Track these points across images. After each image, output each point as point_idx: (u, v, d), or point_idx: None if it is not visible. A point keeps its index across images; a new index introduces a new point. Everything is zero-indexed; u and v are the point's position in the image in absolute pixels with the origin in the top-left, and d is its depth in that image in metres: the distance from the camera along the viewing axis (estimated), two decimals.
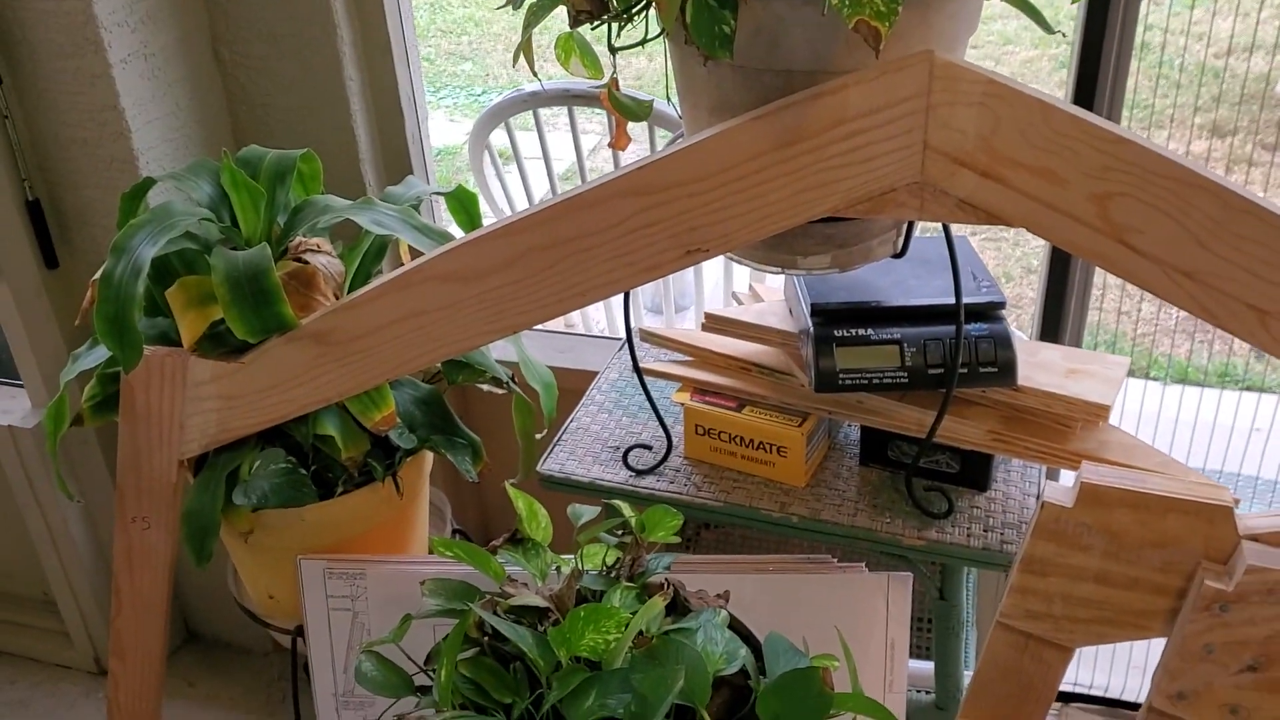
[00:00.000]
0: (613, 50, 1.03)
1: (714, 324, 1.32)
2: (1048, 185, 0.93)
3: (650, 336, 1.37)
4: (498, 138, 2.09)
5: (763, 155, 0.97)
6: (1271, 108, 3.69)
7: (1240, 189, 0.90)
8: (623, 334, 1.36)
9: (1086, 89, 1.46)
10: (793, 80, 0.96)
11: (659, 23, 0.94)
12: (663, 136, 2.00)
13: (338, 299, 1.29)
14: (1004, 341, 1.14)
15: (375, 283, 1.13)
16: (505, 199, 2.20)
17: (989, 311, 1.17)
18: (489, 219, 2.31)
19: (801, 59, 0.95)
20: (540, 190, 2.25)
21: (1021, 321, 3.27)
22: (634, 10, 0.96)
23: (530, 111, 2.00)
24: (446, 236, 1.21)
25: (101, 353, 1.24)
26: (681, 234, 1.02)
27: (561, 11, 0.99)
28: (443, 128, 4.82)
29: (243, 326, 1.13)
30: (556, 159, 2.16)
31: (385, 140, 1.66)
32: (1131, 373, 2.65)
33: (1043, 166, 0.93)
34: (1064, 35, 1.03)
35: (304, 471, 1.26)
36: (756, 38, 0.94)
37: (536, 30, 1.00)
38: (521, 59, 1.03)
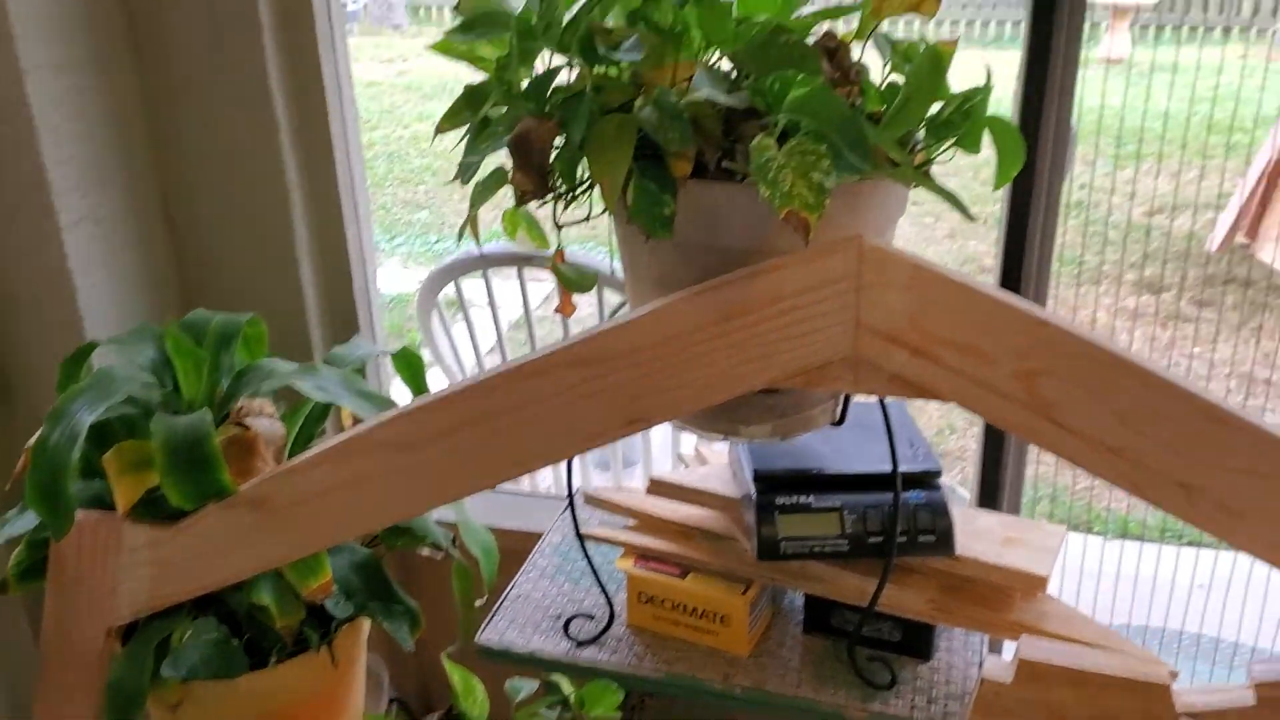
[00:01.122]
0: (558, 226, 1.06)
1: (658, 488, 1.32)
2: (975, 363, 0.96)
3: (594, 500, 1.37)
4: (450, 288, 2.12)
5: (703, 329, 0.99)
6: (1201, 265, 3.83)
7: (1160, 370, 0.93)
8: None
9: (1015, 254, 1.51)
10: (731, 258, 0.99)
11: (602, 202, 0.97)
12: (611, 293, 2.03)
13: (279, 463, 1.28)
14: (941, 510, 1.16)
15: (315, 449, 1.12)
16: (453, 354, 2.22)
17: (926, 479, 1.18)
18: (436, 372, 2.33)
19: (739, 239, 0.98)
20: (488, 341, 2.27)
21: (967, 473, 3.31)
22: (578, 192, 0.99)
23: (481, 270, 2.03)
24: (389, 404, 1.22)
25: (31, 518, 1.22)
26: (623, 404, 1.03)
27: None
28: (397, 275, 4.87)
29: (179, 493, 1.12)
30: (509, 306, 2.19)
31: (333, 299, 1.67)
32: (1074, 526, 2.68)
33: (970, 345, 0.96)
34: (983, 222, 1.06)
35: (236, 641, 1.23)
36: (696, 219, 0.97)
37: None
38: (469, 232, 1.06)
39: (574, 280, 1.05)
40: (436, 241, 5.27)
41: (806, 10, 1.05)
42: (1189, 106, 5.72)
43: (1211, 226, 4.00)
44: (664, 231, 0.96)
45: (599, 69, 1.00)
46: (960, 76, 0.99)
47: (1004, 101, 1.44)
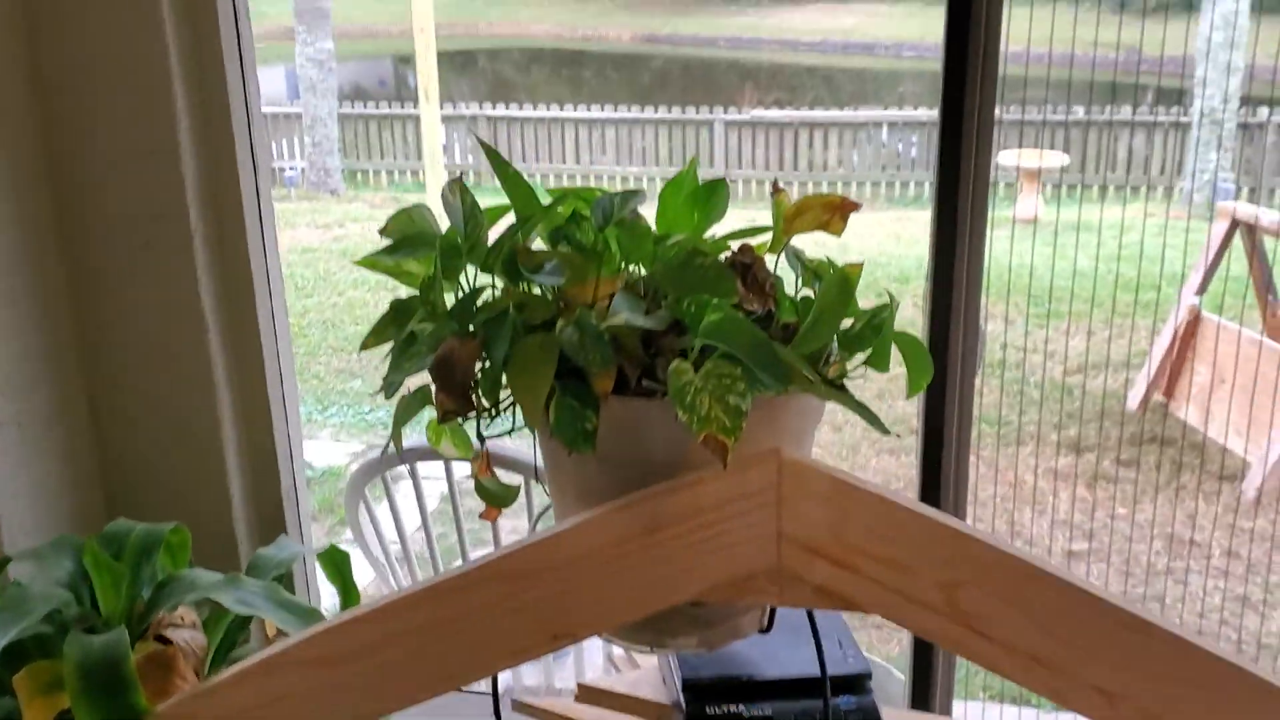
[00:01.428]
0: (481, 439, 1.07)
1: (588, 695, 1.30)
2: (897, 575, 0.97)
3: (523, 707, 1.35)
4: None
5: (626, 543, 1.00)
6: (1123, 424, 3.93)
7: (1079, 580, 0.95)
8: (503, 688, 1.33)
9: (933, 459, 1.53)
10: (653, 471, 1.00)
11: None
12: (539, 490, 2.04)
13: (199, 675, 1.25)
14: (871, 714, 1.15)
15: (236, 668, 1.10)
16: (380, 546, 2.19)
17: (856, 683, 1.18)
18: (363, 566, 2.29)
19: (661, 452, 0.99)
20: (413, 522, 2.25)
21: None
22: (500, 408, 1.00)
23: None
24: (313, 614, 1.20)
25: None
26: (548, 619, 1.03)
27: None
28: (328, 449, 4.83)
29: (92, 718, 1.09)
30: (434, 492, 2.18)
31: (260, 498, 1.66)
32: (1011, 699, 2.67)
33: (891, 557, 0.97)
34: (898, 436, 1.10)
35: None
36: (618, 433, 0.99)
37: None
38: (392, 446, 1.06)
39: (496, 495, 1.06)
40: (369, 412, 5.25)
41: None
42: (1101, 265, 5.97)
43: (1129, 385, 4.13)
44: (586, 446, 0.98)
45: (522, 287, 1.03)
46: (881, 236, 1.04)
47: (924, 259, 1.49)
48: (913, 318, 5.23)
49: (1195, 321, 3.88)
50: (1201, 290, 3.91)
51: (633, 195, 1.08)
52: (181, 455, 1.59)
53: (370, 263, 1.10)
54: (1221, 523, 3.21)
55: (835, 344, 1.04)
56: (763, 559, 1.00)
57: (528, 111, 9.71)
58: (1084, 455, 3.67)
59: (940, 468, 1.51)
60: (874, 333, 1.03)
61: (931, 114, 8.80)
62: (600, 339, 0.95)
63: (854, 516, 0.97)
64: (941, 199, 1.36)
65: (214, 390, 1.58)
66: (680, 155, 9.49)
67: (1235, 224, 3.92)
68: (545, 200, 1.04)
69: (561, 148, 9.65)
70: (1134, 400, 4.05)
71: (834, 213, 1.09)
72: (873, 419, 0.99)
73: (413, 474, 2.06)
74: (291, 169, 9.76)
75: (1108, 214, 7.89)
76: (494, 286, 1.05)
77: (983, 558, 0.96)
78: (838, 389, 1.01)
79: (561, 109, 9.74)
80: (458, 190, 1.07)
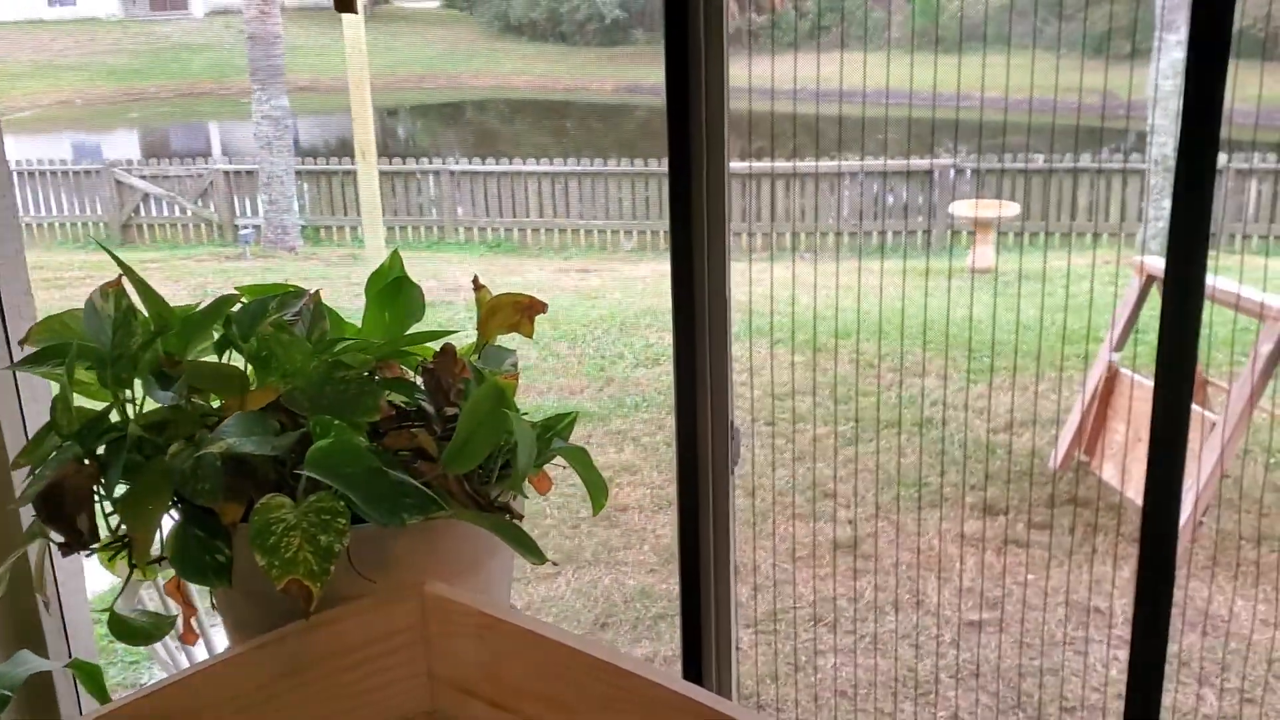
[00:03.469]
0: (131, 566, 0.98)
1: None
2: (559, 714, 0.88)
3: None
4: None
5: (270, 684, 0.91)
6: (1043, 484, 3.84)
7: (736, 709, 0.86)
8: None
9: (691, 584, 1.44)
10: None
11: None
12: None
13: None
14: None
15: None
16: None
17: None
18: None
19: None
20: None
21: None
22: (120, 543, 0.92)
23: None
24: None
25: None
26: None
27: None
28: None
29: None
30: None
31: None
32: None
33: (551, 695, 0.88)
34: (554, 565, 1.01)
35: None
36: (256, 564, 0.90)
37: None
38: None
39: (132, 630, 0.96)
40: None
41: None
42: (1048, 315, 5.90)
43: (1055, 443, 4.05)
44: (220, 580, 0.89)
45: (187, 403, 0.94)
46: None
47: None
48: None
49: (1113, 378, 3.80)
50: (1119, 346, 3.84)
51: (292, 296, 1.00)
52: None
53: (29, 369, 1.01)
54: (1129, 589, 3.12)
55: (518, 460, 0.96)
56: (416, 701, 0.91)
57: (490, 166, 9.68)
58: (999, 518, 3.58)
59: (699, 583, 1.40)
60: (545, 447, 0.95)
61: (921, 163, 8.80)
62: (214, 466, 0.86)
63: (509, 654, 0.88)
64: (677, 257, 1.28)
65: None
66: (658, 208, 9.42)
67: (1150, 279, 3.86)
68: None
69: (525, 201, 9.60)
70: (1056, 459, 3.96)
71: (523, 313, 1.01)
72: (528, 547, 0.90)
73: None
74: (247, 227, 9.70)
75: (1064, 262, 7.86)
76: (130, 403, 0.96)
77: (647, 693, 0.87)
78: (497, 511, 0.92)
79: (537, 162, 9.69)
80: (111, 296, 0.99)
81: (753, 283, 6.02)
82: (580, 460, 0.94)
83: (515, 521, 0.91)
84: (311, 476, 0.82)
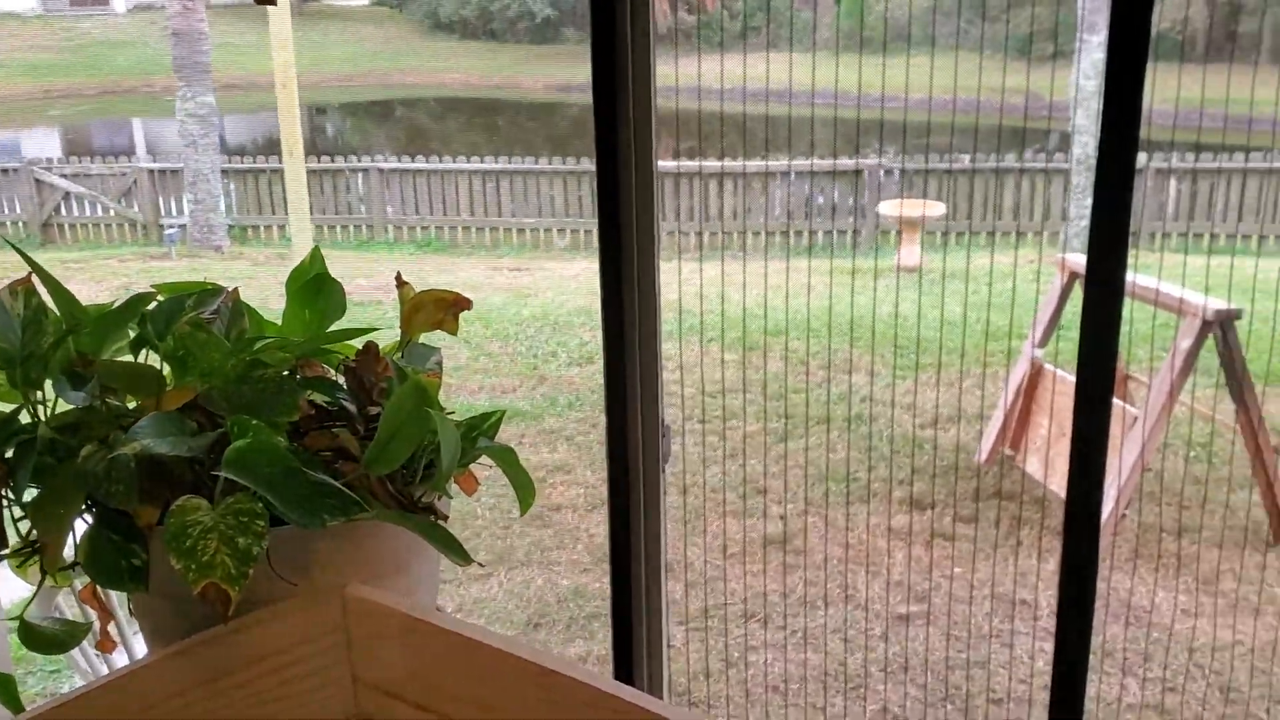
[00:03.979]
0: (43, 572, 0.95)
1: None
2: (485, 716, 0.87)
3: None
4: None
5: (188, 691, 0.89)
6: (969, 478, 3.90)
7: (666, 708, 0.86)
8: None
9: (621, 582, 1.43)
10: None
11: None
12: None
13: None
14: None
15: None
16: None
17: None
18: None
19: None
20: None
21: None
22: (31, 549, 0.89)
23: None
24: None
25: None
26: None
27: None
28: None
29: None
30: None
31: None
32: None
33: (476, 697, 0.87)
34: (480, 565, 1.00)
35: None
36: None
37: None
38: None
39: (45, 639, 0.93)
40: None
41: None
42: (973, 313, 6.00)
43: (981, 437, 4.11)
44: (135, 585, 0.86)
45: (101, 404, 0.92)
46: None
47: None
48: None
49: (1037, 374, 3.87)
50: (1042, 343, 3.91)
51: (210, 294, 0.98)
52: None
53: None
54: (1054, 581, 3.17)
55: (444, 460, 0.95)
56: (339, 706, 0.89)
57: (420, 164, 9.59)
58: (926, 512, 3.62)
59: (630, 581, 1.40)
60: (470, 446, 0.93)
61: (848, 163, 8.87)
62: (129, 468, 0.84)
63: (435, 656, 0.87)
64: (606, 256, 1.27)
65: None
66: (591, 206, 9.39)
67: (1073, 276, 3.93)
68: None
69: (456, 199, 9.52)
70: (983, 453, 4.02)
71: (447, 311, 1.00)
72: (453, 548, 0.89)
73: None
74: (172, 227, 9.52)
75: (989, 260, 7.99)
76: (41, 404, 0.93)
77: (577, 694, 0.86)
78: (421, 512, 0.91)
79: (468, 160, 9.63)
80: (20, 294, 0.96)
81: (683, 282, 6.04)
82: (507, 460, 0.93)
83: (440, 522, 0.90)
84: (229, 478, 0.80)
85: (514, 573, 3.32)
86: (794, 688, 2.77)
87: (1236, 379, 3.43)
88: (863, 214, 8.83)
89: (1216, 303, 3.39)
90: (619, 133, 1.22)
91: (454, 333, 1.00)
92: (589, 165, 9.49)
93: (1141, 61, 1.17)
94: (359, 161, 9.73)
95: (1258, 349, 5.30)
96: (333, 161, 9.69)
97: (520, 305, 6.47)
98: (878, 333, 5.66)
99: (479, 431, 0.94)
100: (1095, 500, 1.41)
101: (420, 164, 9.63)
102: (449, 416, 0.98)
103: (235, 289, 1.01)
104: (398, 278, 1.05)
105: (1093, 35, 7.90)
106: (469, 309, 1.00)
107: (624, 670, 1.40)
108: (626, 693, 0.86)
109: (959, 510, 3.67)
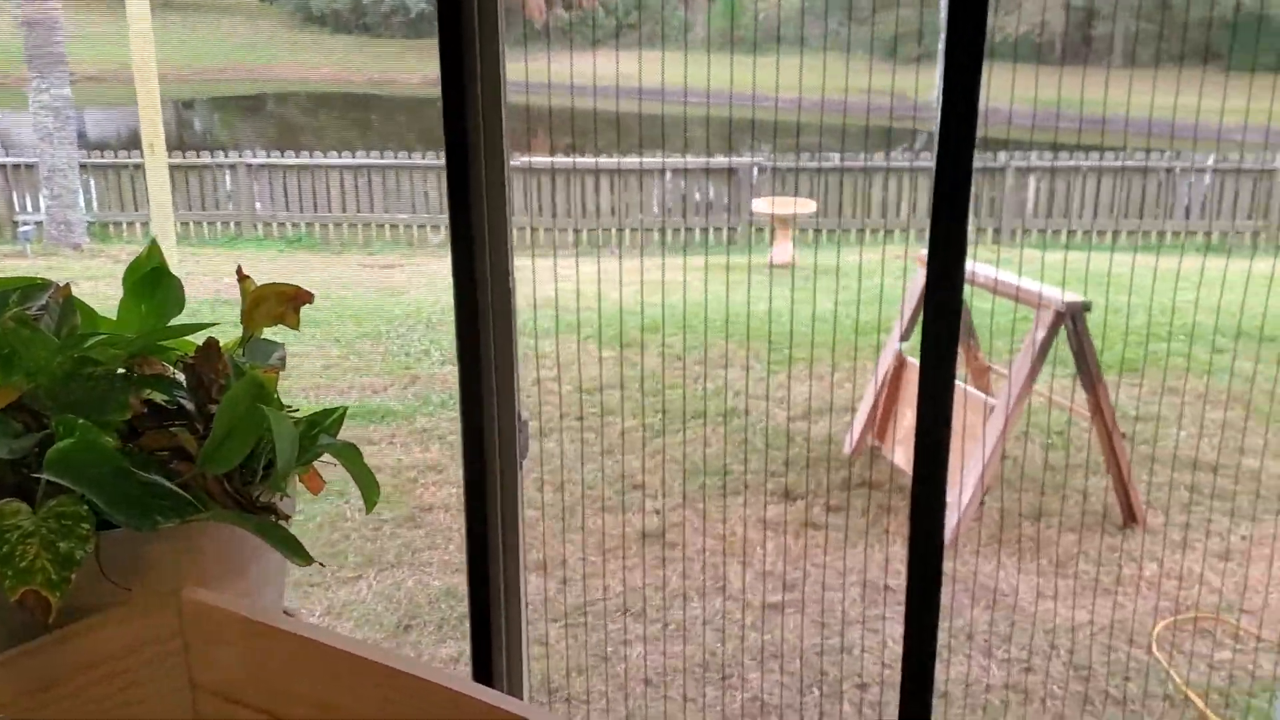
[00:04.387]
0: None
1: None
2: (330, 717, 0.86)
3: None
4: None
5: (15, 702, 0.85)
6: (837, 468, 3.99)
7: (522, 707, 0.86)
8: None
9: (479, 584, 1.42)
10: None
11: None
12: None
13: None
14: None
15: None
16: None
17: None
18: None
19: None
20: None
21: None
22: None
23: None
24: None
25: None
26: None
27: None
28: None
29: None
30: None
31: None
32: None
33: (323, 700, 0.86)
34: (321, 565, 0.99)
35: None
36: None
37: None
38: None
39: None
40: None
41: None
42: (842, 308, 6.13)
43: (850, 429, 4.20)
44: None
45: None
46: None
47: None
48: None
49: (901, 366, 3.97)
50: (905, 336, 4.01)
51: (37, 289, 0.95)
52: None
53: None
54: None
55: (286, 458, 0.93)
56: (177, 712, 0.87)
57: (290, 159, 9.37)
58: (796, 503, 3.69)
59: (488, 579, 1.39)
60: (311, 444, 0.92)
61: (723, 161, 8.95)
62: None
63: (277, 660, 0.85)
64: (458, 255, 1.26)
65: None
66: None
67: None
68: None
69: (328, 195, 9.33)
70: (850, 444, 4.11)
71: (288, 304, 0.98)
72: (293, 548, 0.87)
73: None
74: (26, 224, 9.12)
75: (857, 257, 8.18)
76: None
77: (427, 696, 0.85)
78: (261, 512, 0.89)
79: (339, 155, 9.44)
80: None
81: (560, 279, 6.03)
82: (349, 457, 0.92)
83: (281, 522, 0.88)
84: (52, 480, 0.77)
85: (384, 574, 3.27)
86: (667, 680, 2.79)
87: (1088, 368, 3.57)
88: (738, 211, 8.95)
89: (1068, 296, 3.53)
90: (468, 128, 1.21)
91: (295, 327, 0.98)
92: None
93: (976, 63, 1.21)
94: (225, 157, 9.47)
95: (1111, 340, 5.54)
96: (198, 157, 9.41)
97: (393, 303, 6.38)
98: (752, 328, 5.73)
99: (320, 428, 0.92)
100: (939, 484, 1.45)
101: (290, 159, 9.43)
102: (292, 413, 0.96)
103: (66, 285, 0.98)
104: (238, 271, 1.03)
105: None
106: (310, 302, 0.98)
107: (484, 670, 1.39)
108: (479, 692, 0.85)
109: (829, 500, 3.74)
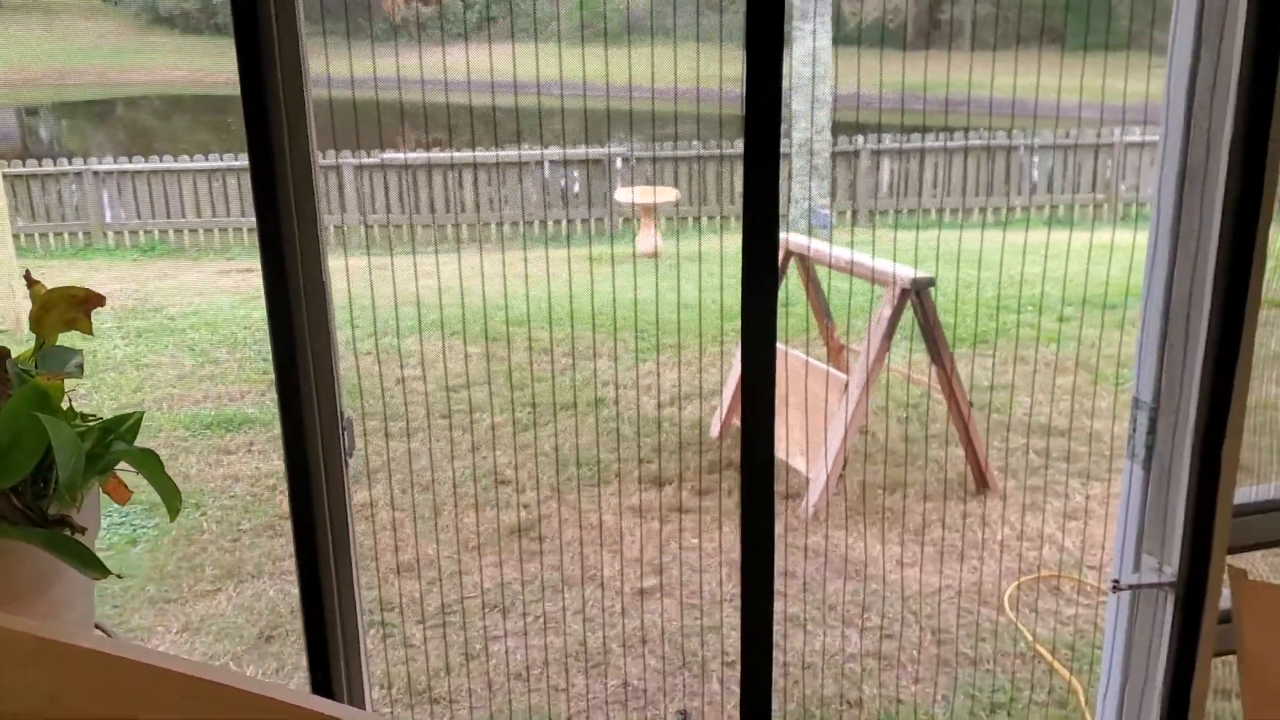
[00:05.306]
0: None
1: None
2: None
3: None
4: None
5: None
6: (704, 452, 4.04)
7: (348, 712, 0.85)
8: None
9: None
10: None
11: None
12: None
13: None
14: None
15: None
16: None
17: None
18: None
19: None
20: None
21: None
22: None
23: None
24: None
25: None
26: None
27: None
28: None
29: None
30: None
31: None
32: None
33: (126, 716, 0.83)
34: (119, 576, 0.97)
35: None
36: None
37: None
38: None
39: None
40: None
41: None
42: (707, 295, 6.20)
43: (714, 413, 4.26)
44: None
45: None
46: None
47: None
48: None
49: None
50: None
51: None
52: None
53: None
54: (781, 543, 3.34)
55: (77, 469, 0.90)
56: None
57: (140, 164, 9.06)
58: (665, 488, 3.73)
59: (319, 585, 1.37)
60: (106, 449, 0.89)
61: (582, 151, 8.94)
62: None
63: (79, 680, 0.82)
64: (268, 258, 1.24)
65: None
66: (328, 202, 9.09)
67: (789, 254, 4.12)
68: None
69: (181, 201, 9.05)
70: (716, 427, 4.17)
71: (79, 308, 0.95)
72: (86, 561, 0.85)
73: None
74: None
75: (720, 244, 8.28)
76: None
77: (250, 709, 0.84)
78: (55, 526, 0.86)
79: (190, 159, 9.16)
80: None
81: (421, 276, 5.96)
82: (147, 464, 0.89)
83: (76, 536, 0.86)
84: None
85: (244, 586, 3.19)
86: (536, 672, 2.79)
87: (934, 342, 3.68)
88: (604, 203, 8.97)
89: (912, 272, 3.63)
90: (271, 126, 1.19)
91: (88, 332, 0.95)
92: (325, 160, 9.23)
93: (776, 46, 1.23)
94: (70, 164, 9.11)
95: (964, 313, 5.72)
96: (40, 165, 9.04)
97: (249, 308, 6.22)
98: (619, 318, 5.76)
99: (115, 435, 0.90)
100: (766, 451, 1.49)
101: (139, 164, 9.11)
102: (89, 421, 0.94)
103: None
104: (26, 275, 0.99)
105: (805, 23, 8.29)
106: (102, 305, 0.96)
107: (321, 678, 1.37)
108: (313, 702, 0.84)
109: (699, 484, 3.79)
